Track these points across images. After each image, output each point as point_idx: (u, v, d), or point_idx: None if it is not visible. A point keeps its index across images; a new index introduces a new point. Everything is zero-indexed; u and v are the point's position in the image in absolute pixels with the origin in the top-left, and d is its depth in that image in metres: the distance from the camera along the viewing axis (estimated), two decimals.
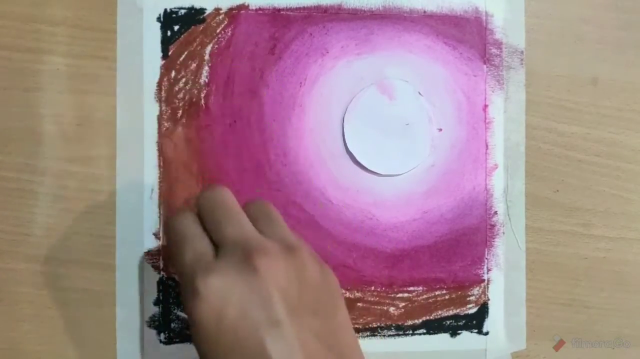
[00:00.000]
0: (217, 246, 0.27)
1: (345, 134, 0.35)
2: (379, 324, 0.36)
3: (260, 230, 0.28)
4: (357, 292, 0.36)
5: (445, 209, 0.36)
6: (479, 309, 0.36)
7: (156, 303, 0.35)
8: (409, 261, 0.36)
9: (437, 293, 0.36)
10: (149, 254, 0.34)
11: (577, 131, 0.37)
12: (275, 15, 0.35)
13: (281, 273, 0.26)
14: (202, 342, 0.26)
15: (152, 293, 0.34)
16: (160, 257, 0.34)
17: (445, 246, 0.36)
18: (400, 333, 0.36)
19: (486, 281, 0.36)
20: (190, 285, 0.26)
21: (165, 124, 0.34)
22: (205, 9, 0.35)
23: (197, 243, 0.27)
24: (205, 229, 0.28)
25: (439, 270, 0.36)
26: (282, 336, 0.25)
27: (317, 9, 0.35)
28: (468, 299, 0.36)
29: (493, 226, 0.36)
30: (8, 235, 0.34)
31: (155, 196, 0.34)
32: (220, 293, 0.25)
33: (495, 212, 0.36)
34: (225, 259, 0.26)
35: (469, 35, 0.36)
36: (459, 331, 0.36)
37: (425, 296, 0.36)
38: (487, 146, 0.37)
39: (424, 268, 0.36)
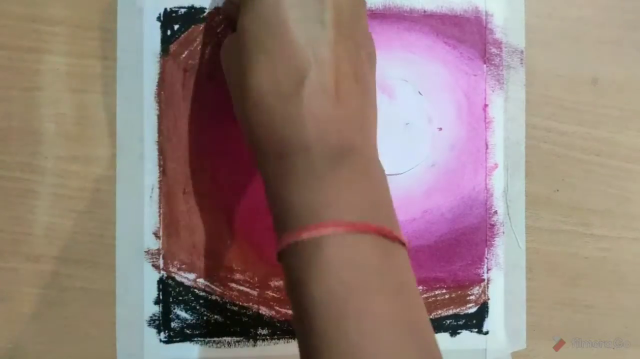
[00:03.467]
0: None
1: None
2: None
3: None
4: None
5: (445, 209, 0.36)
6: (478, 308, 0.36)
7: (156, 302, 0.35)
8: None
9: (437, 292, 0.36)
10: (149, 254, 0.34)
11: (577, 131, 0.37)
12: None
13: None
14: (251, 9, 0.27)
15: (152, 293, 0.34)
16: (161, 257, 0.35)
17: (445, 245, 0.36)
18: None
19: (486, 281, 0.36)
20: None
21: (165, 123, 0.34)
22: (205, 9, 0.35)
23: None
24: None
25: (439, 270, 0.36)
26: (324, 39, 0.26)
27: None
28: (468, 298, 0.36)
29: (493, 225, 0.36)
30: (8, 235, 0.34)
31: (155, 196, 0.34)
32: None
33: (495, 212, 0.36)
34: None
35: (469, 35, 0.36)
36: (459, 331, 0.36)
37: (425, 296, 0.36)
38: (487, 145, 0.37)
39: (424, 268, 0.36)
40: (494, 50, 0.36)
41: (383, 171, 0.28)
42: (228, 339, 0.35)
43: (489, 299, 0.37)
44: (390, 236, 0.25)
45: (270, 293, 0.35)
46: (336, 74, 0.26)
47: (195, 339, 0.35)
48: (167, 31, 0.35)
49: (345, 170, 0.26)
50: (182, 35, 0.35)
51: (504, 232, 0.37)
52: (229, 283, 0.35)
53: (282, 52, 0.26)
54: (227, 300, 0.35)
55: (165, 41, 0.34)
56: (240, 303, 0.35)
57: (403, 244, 0.26)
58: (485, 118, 0.37)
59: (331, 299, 0.24)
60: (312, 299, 0.24)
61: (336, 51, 0.27)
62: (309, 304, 0.24)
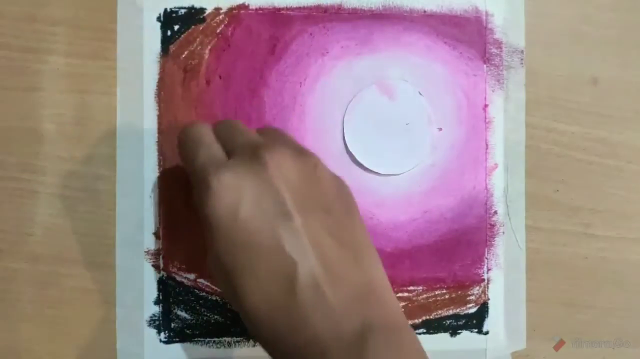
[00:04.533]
0: (229, 156, 0.28)
1: (345, 134, 0.35)
2: None
3: (270, 139, 0.29)
4: None
5: (445, 209, 0.36)
6: (479, 308, 0.36)
7: (156, 302, 0.35)
8: (409, 261, 0.36)
9: (437, 292, 0.36)
10: (149, 254, 0.34)
11: (577, 131, 0.37)
12: (275, 15, 0.35)
13: (290, 170, 0.26)
14: (218, 239, 0.26)
15: (152, 293, 0.35)
16: (160, 257, 0.35)
17: (445, 245, 0.36)
18: None
19: (486, 281, 0.36)
20: (203, 183, 0.26)
21: (165, 123, 0.34)
22: (205, 9, 0.35)
23: (210, 148, 0.28)
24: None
25: (439, 270, 0.36)
26: (294, 229, 0.25)
27: (317, 9, 0.35)
28: (468, 298, 0.36)
29: (493, 225, 0.36)
30: (8, 235, 0.34)
31: (155, 196, 0.34)
32: (232, 187, 0.26)
33: (495, 212, 0.36)
34: (236, 158, 0.27)
35: (469, 35, 0.36)
36: (459, 331, 0.36)
37: (425, 296, 0.36)
38: (487, 145, 0.37)
39: (424, 268, 0.36)
40: (494, 50, 0.36)
41: (416, 339, 0.26)
42: (228, 339, 0.35)
43: (489, 299, 0.37)
44: None
45: None
46: (320, 256, 0.25)
47: (195, 339, 0.35)
48: (167, 31, 0.35)
49: (371, 355, 0.24)
50: (182, 36, 0.35)
51: (504, 233, 0.37)
52: None
53: (263, 267, 0.25)
54: (227, 300, 0.35)
55: (165, 41, 0.35)
56: None
57: None
58: (485, 118, 0.37)
59: None
60: None
61: (310, 233, 0.25)
62: None
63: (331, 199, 0.27)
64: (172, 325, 0.35)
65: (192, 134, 0.29)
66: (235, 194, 0.25)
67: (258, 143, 0.28)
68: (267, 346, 0.26)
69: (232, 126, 0.30)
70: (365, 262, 0.27)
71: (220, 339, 0.35)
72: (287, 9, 0.35)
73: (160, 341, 0.35)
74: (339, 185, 0.29)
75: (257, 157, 0.26)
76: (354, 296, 0.25)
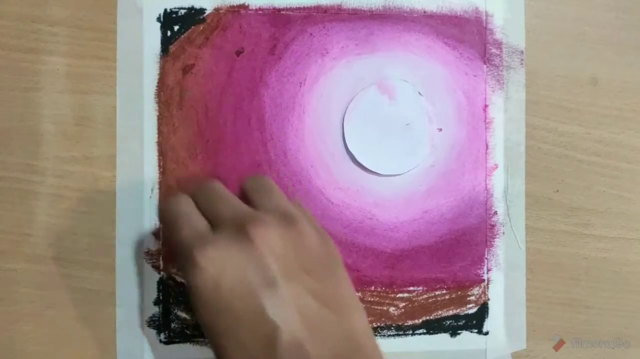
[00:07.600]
0: (212, 226, 0.28)
1: (345, 134, 0.35)
2: (379, 324, 0.36)
3: (258, 203, 0.30)
4: (357, 292, 0.36)
5: (445, 209, 0.36)
6: (479, 309, 0.36)
7: (156, 302, 0.35)
8: (409, 261, 0.36)
9: (437, 292, 0.36)
10: (149, 254, 0.34)
11: (577, 131, 0.37)
12: (275, 15, 0.35)
13: (276, 241, 0.27)
14: (202, 308, 0.27)
15: (152, 293, 0.34)
16: (160, 257, 0.35)
17: (446, 246, 0.36)
18: (400, 333, 0.36)
19: (486, 281, 0.36)
20: (188, 257, 0.27)
21: (165, 123, 0.34)
22: (205, 9, 0.35)
23: (193, 220, 0.29)
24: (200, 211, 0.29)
25: (439, 270, 0.36)
26: (278, 295, 0.26)
27: (317, 9, 0.35)
28: (468, 299, 0.36)
29: (493, 226, 0.37)
30: (8, 235, 0.34)
31: (155, 196, 0.34)
32: (217, 262, 0.26)
33: (495, 212, 0.36)
34: (221, 232, 0.28)
35: (469, 35, 0.36)
36: (459, 331, 0.36)
37: (425, 296, 0.36)
38: (487, 146, 0.37)
39: (424, 268, 0.36)
40: (494, 50, 0.36)
41: None
42: None
43: (489, 299, 0.37)
44: None
45: None
46: (303, 319, 0.26)
47: (195, 339, 0.35)
48: (167, 32, 0.35)
49: None
50: (182, 36, 0.35)
51: (504, 233, 0.37)
52: None
53: (245, 331, 0.26)
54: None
55: (165, 41, 0.35)
56: None
57: None
58: (485, 118, 0.37)
59: None
60: None
61: (294, 298, 0.26)
62: None
63: (315, 261, 0.28)
64: (172, 325, 0.35)
65: (172, 206, 0.29)
66: (219, 268, 0.26)
67: (243, 217, 0.28)
68: None
69: (213, 194, 0.30)
70: (347, 318, 0.28)
71: None
72: (287, 9, 0.35)
73: (160, 341, 0.35)
74: (323, 243, 0.29)
75: (243, 233, 0.27)
76: (336, 354, 0.26)
